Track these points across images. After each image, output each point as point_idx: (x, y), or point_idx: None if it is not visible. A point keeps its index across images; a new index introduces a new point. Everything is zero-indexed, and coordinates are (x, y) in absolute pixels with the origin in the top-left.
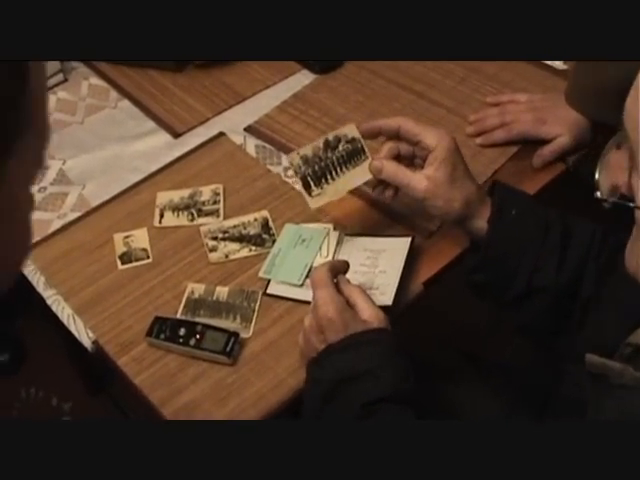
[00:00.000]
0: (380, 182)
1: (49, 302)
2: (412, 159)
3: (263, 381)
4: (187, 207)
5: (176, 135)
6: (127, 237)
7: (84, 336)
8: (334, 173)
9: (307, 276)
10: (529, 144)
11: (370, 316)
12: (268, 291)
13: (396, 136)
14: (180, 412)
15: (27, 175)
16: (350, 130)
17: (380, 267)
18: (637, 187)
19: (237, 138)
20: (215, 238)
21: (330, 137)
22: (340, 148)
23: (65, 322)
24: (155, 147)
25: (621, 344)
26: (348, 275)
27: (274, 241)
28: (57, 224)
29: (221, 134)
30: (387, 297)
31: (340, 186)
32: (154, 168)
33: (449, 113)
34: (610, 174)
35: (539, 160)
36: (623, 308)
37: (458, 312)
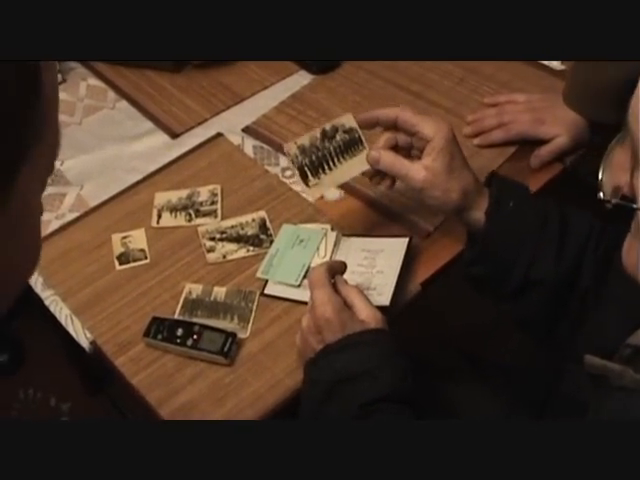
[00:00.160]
0: (377, 172)
1: (47, 302)
2: (409, 150)
3: (260, 381)
4: (185, 207)
5: (174, 136)
6: (125, 237)
7: (82, 336)
8: (331, 163)
9: (305, 276)
10: (527, 144)
11: (367, 316)
12: (266, 291)
13: (393, 127)
14: (177, 412)
15: (39, 181)
16: (347, 120)
17: (377, 267)
18: (638, 188)
19: (235, 139)
20: (213, 238)
21: (327, 127)
22: (337, 138)
23: (63, 322)
24: (153, 147)
25: (620, 345)
26: (346, 275)
27: (272, 241)
28: (55, 224)
29: (219, 135)
30: (384, 297)
31: (337, 176)
32: (152, 169)
33: (447, 113)
34: (613, 174)
35: (537, 160)
36: (622, 309)
37: (457, 312)
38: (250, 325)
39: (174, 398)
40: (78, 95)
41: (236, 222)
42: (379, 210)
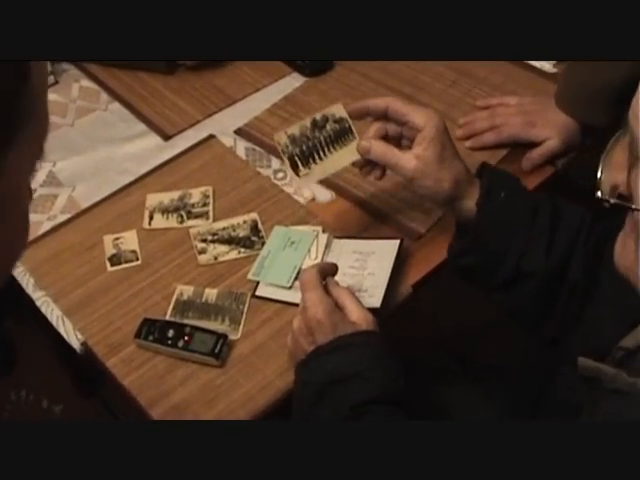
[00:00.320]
0: (367, 163)
1: (38, 304)
2: (399, 140)
3: (252, 383)
4: (177, 209)
5: (166, 137)
6: (117, 239)
7: (73, 338)
8: (322, 153)
9: (296, 278)
10: (518, 147)
11: (359, 318)
12: (257, 293)
13: (384, 117)
14: (169, 413)
15: (27, 167)
16: (337, 110)
17: (369, 269)
18: (635, 187)
19: (227, 140)
20: (204, 240)
21: (317, 116)
22: (328, 128)
23: (54, 324)
24: (145, 149)
25: (613, 347)
26: (337, 277)
27: (263, 243)
28: (47, 226)
29: (211, 136)
30: (375, 299)
31: (328, 166)
32: (144, 170)
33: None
34: (611, 173)
35: (528, 163)
36: (615, 310)
37: (449, 314)
38: (241, 327)
39: (165, 399)
40: (70, 97)
41: (228, 224)
42: (370, 212)
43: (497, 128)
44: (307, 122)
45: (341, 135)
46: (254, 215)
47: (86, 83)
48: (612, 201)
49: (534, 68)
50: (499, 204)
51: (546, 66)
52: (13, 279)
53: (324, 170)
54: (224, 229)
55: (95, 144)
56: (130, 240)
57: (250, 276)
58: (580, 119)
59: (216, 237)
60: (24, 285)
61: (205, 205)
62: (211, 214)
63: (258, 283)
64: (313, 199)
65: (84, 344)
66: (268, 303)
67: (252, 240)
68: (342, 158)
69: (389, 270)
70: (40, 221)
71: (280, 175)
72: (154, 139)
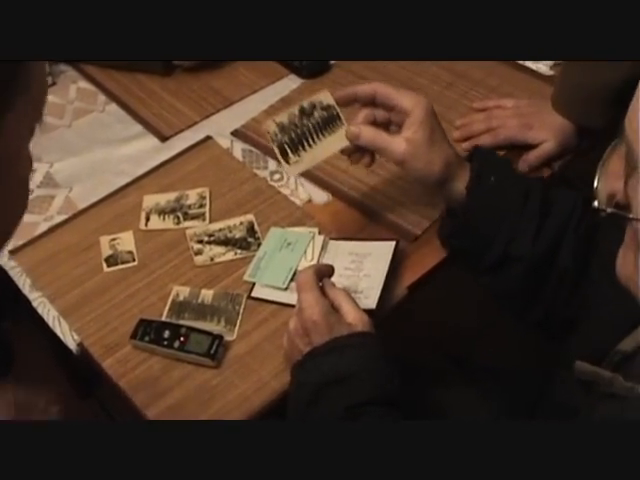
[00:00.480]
0: (356, 149)
1: (35, 304)
2: (388, 126)
3: (247, 383)
4: (173, 210)
5: (163, 139)
6: (113, 240)
7: (69, 338)
8: (311, 140)
9: (292, 279)
10: (515, 149)
11: (354, 319)
12: (253, 294)
13: (371, 103)
14: (164, 414)
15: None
16: (325, 97)
17: (364, 271)
18: (633, 196)
19: (224, 142)
20: (201, 241)
21: (305, 104)
22: (316, 115)
23: (50, 324)
24: (142, 151)
25: (610, 351)
26: (333, 279)
27: (259, 245)
28: (44, 226)
29: (208, 138)
30: (371, 301)
31: (317, 153)
32: (141, 171)
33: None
34: (608, 182)
35: (525, 165)
36: (613, 314)
37: (445, 315)
38: (237, 328)
39: (161, 400)
40: (68, 98)
41: (224, 225)
42: (366, 214)
43: (494, 130)
44: (295, 110)
45: (329, 122)
46: (250, 216)
47: (83, 84)
48: (609, 210)
49: (531, 70)
50: (489, 188)
51: (542, 68)
52: (10, 280)
53: (314, 157)
54: (220, 230)
55: (92, 145)
56: (127, 241)
57: (246, 277)
58: (576, 121)
59: (212, 238)
60: (21, 286)
61: (202, 206)
62: (207, 215)
63: (254, 284)
64: (309, 201)
65: (80, 345)
66: (264, 304)
67: (248, 241)
68: (331, 145)
69: (385, 272)
70: (37, 222)
71: (277, 177)
72: (151, 140)
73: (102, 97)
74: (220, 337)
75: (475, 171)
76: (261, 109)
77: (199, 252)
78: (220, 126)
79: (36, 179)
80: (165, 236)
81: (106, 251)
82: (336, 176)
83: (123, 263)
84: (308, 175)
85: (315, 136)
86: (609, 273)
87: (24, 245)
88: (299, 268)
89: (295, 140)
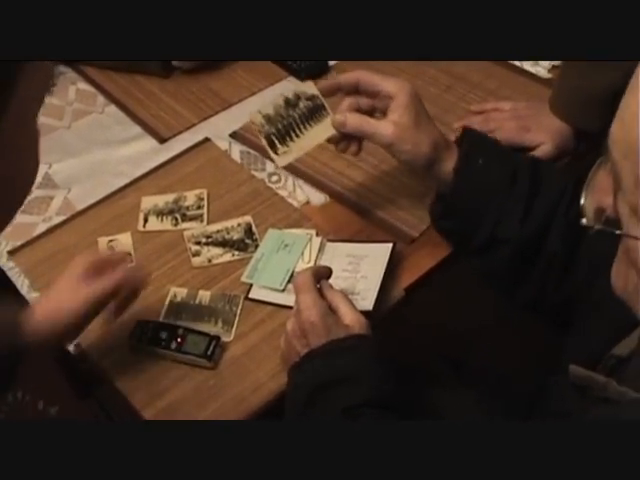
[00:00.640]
0: (343, 138)
1: None
2: (372, 113)
3: (244, 384)
4: (171, 212)
5: (162, 140)
6: (111, 241)
7: None
8: (297, 130)
9: (289, 281)
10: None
11: (352, 321)
12: (250, 295)
13: (355, 91)
14: (161, 414)
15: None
16: (308, 87)
17: (361, 273)
18: (622, 213)
19: (222, 144)
20: (198, 243)
21: (290, 95)
22: (301, 105)
23: None
24: (141, 152)
25: (605, 355)
26: (330, 280)
27: (257, 246)
28: (42, 227)
29: (206, 140)
30: (368, 302)
31: (305, 143)
32: (139, 173)
33: (434, 120)
34: (597, 197)
35: None
36: (608, 318)
37: (443, 318)
38: (234, 329)
39: (158, 400)
40: (67, 99)
41: (222, 227)
42: (364, 215)
43: (491, 133)
44: (280, 101)
45: (315, 112)
46: (248, 218)
47: (83, 86)
48: (597, 227)
49: (528, 73)
50: (476, 170)
51: (541, 71)
52: (8, 280)
53: (301, 147)
54: (218, 232)
55: (91, 146)
56: (125, 242)
57: (243, 278)
58: (574, 124)
59: (210, 240)
60: (19, 286)
61: (200, 208)
62: (205, 217)
63: (251, 286)
64: (307, 202)
65: (78, 345)
66: (261, 305)
67: (246, 243)
68: (318, 134)
69: (382, 273)
70: (35, 222)
71: (274, 178)
72: (150, 142)
73: (101, 98)
74: (217, 338)
75: (463, 152)
76: None
77: (197, 253)
78: (218, 128)
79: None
80: (163, 237)
81: (104, 252)
82: (334, 178)
83: None
84: (306, 177)
85: (302, 126)
86: (604, 278)
87: (22, 246)
88: (296, 270)
89: (282, 131)
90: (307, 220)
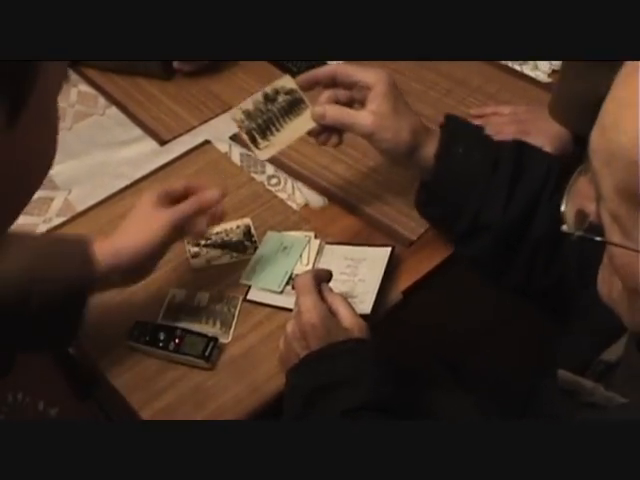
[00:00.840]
0: (323, 130)
1: None
2: (350, 105)
3: (241, 386)
4: None
5: (162, 142)
6: None
7: None
8: (278, 124)
9: (287, 283)
10: None
11: (351, 324)
12: (248, 297)
13: (333, 84)
14: (158, 415)
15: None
16: (286, 82)
17: (360, 276)
18: (605, 221)
19: (222, 146)
20: (197, 244)
21: (268, 90)
22: (280, 100)
23: None
24: (141, 154)
25: (594, 361)
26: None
27: (256, 248)
28: (42, 228)
29: (206, 142)
30: (366, 305)
31: (285, 136)
32: (139, 175)
33: (432, 124)
34: (579, 203)
35: None
36: (597, 323)
37: (442, 321)
38: (232, 330)
39: (156, 401)
40: (69, 101)
41: (221, 229)
42: (362, 218)
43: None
44: (259, 96)
45: (294, 105)
46: (247, 220)
47: (84, 88)
48: (578, 233)
49: (528, 77)
50: (457, 157)
51: (541, 76)
52: None
53: (282, 140)
54: (217, 234)
55: (92, 148)
56: None
57: (242, 280)
58: (573, 129)
59: (209, 242)
60: None
61: None
62: None
63: (250, 287)
64: (306, 205)
65: (77, 346)
66: (259, 307)
67: (245, 245)
68: (298, 127)
69: (380, 277)
70: (36, 223)
71: (274, 181)
72: (150, 144)
73: (102, 100)
74: (215, 339)
75: (444, 139)
76: None
77: (196, 255)
78: (218, 130)
79: None
80: None
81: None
82: (333, 181)
83: None
84: (305, 179)
85: (282, 120)
86: (592, 284)
87: None
88: (295, 272)
89: (262, 125)
90: (306, 222)
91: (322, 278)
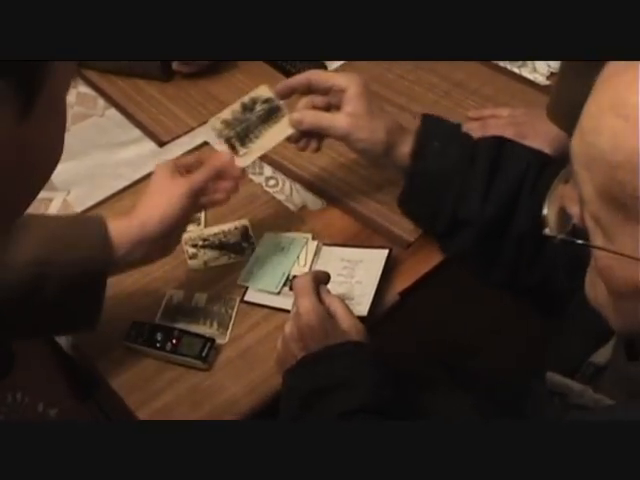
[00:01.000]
0: (302, 136)
1: None
2: (328, 110)
3: (238, 387)
4: None
5: (161, 144)
6: None
7: (64, 339)
8: (256, 132)
9: (284, 284)
10: None
11: (349, 326)
12: (246, 298)
13: (309, 91)
14: (155, 415)
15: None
16: (263, 91)
17: (357, 278)
18: (588, 224)
19: (221, 148)
20: (195, 245)
21: (245, 99)
22: (257, 108)
23: None
24: (140, 155)
25: (584, 363)
26: None
27: (253, 249)
28: None
29: (205, 143)
30: (363, 307)
31: (265, 143)
32: (138, 176)
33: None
34: (559, 204)
35: None
36: (587, 326)
37: (440, 322)
38: (229, 331)
39: (153, 401)
40: (68, 102)
41: (219, 230)
42: (360, 220)
43: None
44: (237, 106)
45: (272, 113)
46: (245, 221)
47: (83, 89)
48: (560, 237)
49: (526, 80)
50: (433, 154)
51: (539, 78)
52: None
53: (261, 147)
54: (215, 235)
55: (91, 149)
56: None
57: (239, 281)
58: (571, 131)
59: (207, 243)
60: None
61: None
62: (202, 220)
63: (247, 288)
64: (304, 206)
65: (75, 346)
66: (256, 308)
67: (242, 246)
68: (277, 134)
69: (377, 279)
70: None
71: (272, 182)
72: (149, 145)
73: (101, 102)
74: (212, 340)
75: (419, 137)
76: None
77: (194, 256)
78: None
79: None
80: None
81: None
82: (331, 183)
83: None
84: (303, 181)
85: (260, 127)
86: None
87: None
88: (292, 273)
89: (241, 134)
90: (304, 224)
91: (321, 280)
